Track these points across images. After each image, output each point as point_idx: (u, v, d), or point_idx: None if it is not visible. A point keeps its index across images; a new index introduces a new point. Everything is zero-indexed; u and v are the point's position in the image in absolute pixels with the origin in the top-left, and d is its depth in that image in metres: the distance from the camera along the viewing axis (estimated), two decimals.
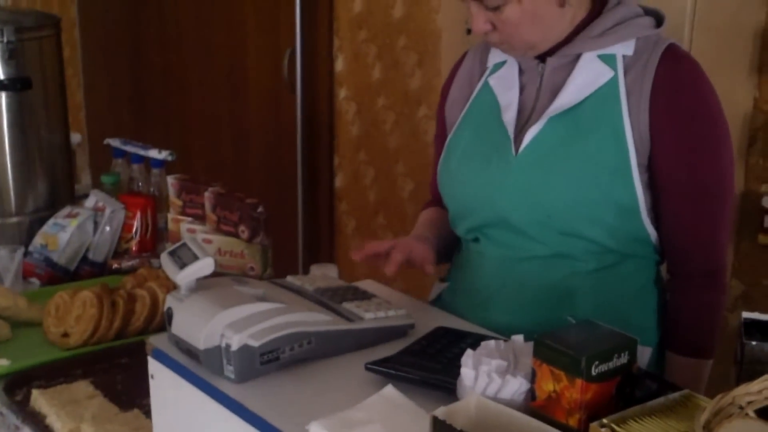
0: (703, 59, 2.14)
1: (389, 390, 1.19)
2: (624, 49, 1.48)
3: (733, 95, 2.30)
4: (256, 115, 3.67)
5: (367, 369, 1.27)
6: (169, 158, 2.17)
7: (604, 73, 1.48)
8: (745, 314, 1.24)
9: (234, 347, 1.22)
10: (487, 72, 1.61)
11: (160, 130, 4.08)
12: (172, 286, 1.69)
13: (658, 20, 1.53)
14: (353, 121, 3.36)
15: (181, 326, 1.28)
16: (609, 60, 1.48)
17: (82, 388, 1.52)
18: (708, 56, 2.15)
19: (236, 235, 1.94)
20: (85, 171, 2.47)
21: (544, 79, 1.53)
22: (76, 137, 2.40)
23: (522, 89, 1.55)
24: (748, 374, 1.12)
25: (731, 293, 2.44)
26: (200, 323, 1.24)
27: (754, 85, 2.32)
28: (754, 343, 1.17)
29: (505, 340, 1.24)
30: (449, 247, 1.72)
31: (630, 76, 1.47)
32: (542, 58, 1.53)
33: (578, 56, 1.50)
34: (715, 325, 1.57)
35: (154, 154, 2.17)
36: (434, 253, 1.61)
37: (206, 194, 1.99)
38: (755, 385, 1.03)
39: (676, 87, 1.46)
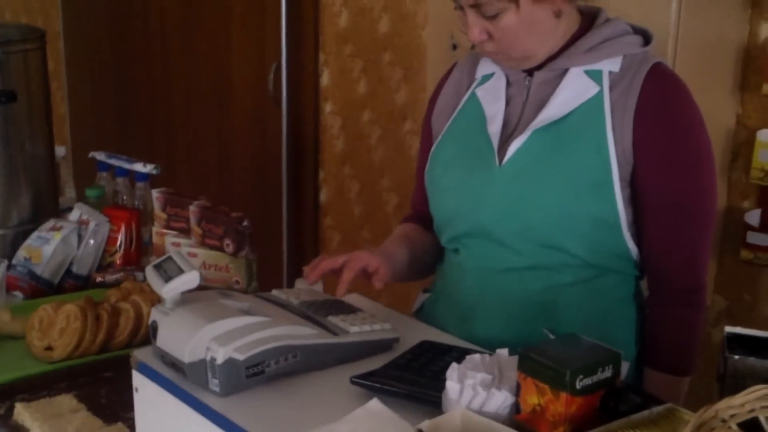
0: (687, 76, 2.16)
1: (374, 403, 1.19)
2: (611, 65, 1.50)
3: (717, 111, 2.32)
4: (242, 129, 3.67)
5: (353, 382, 1.27)
6: (155, 172, 2.16)
7: (590, 88, 1.49)
8: (728, 329, 1.25)
9: (219, 360, 1.22)
10: (475, 83, 1.62)
11: (144, 144, 4.08)
12: (156, 300, 1.69)
13: (646, 39, 1.54)
14: (338, 135, 3.37)
15: (166, 339, 1.28)
16: (595, 76, 1.50)
17: (66, 401, 1.51)
18: (691, 73, 2.17)
19: (221, 249, 1.94)
20: (70, 184, 2.46)
21: (531, 93, 1.54)
22: (60, 150, 2.39)
23: (508, 101, 1.56)
24: (731, 388, 1.13)
25: (714, 308, 2.45)
26: (185, 336, 1.24)
27: (737, 102, 2.34)
28: (736, 357, 1.18)
29: (489, 354, 1.25)
30: (423, 262, 1.72)
31: (615, 93, 1.48)
32: (530, 71, 1.55)
33: (565, 71, 1.51)
34: (694, 343, 1.58)
35: (139, 167, 2.16)
36: (392, 267, 1.59)
37: (191, 208, 1.98)
38: (738, 399, 1.04)
39: (660, 105, 1.48)
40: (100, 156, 2.25)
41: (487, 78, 1.60)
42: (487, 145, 1.53)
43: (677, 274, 1.55)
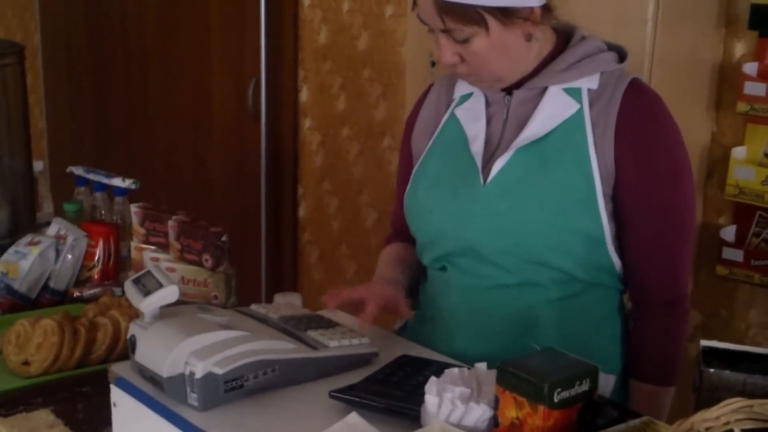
0: (663, 94, 2.18)
1: (353, 417, 1.20)
2: (589, 83, 1.52)
3: (692, 129, 2.34)
4: (220, 145, 3.67)
5: (332, 397, 1.28)
6: (133, 187, 2.16)
7: (570, 106, 1.51)
8: (704, 342, 1.26)
9: (198, 375, 1.22)
10: (454, 103, 1.63)
11: (122, 158, 4.07)
12: (134, 315, 1.68)
13: (621, 55, 1.57)
14: (317, 151, 3.37)
15: (144, 354, 1.28)
16: (574, 93, 1.51)
17: (43, 416, 1.50)
18: (667, 91, 2.18)
19: (200, 264, 1.94)
20: (47, 199, 2.45)
21: (511, 112, 1.55)
22: (38, 165, 2.38)
23: (489, 121, 1.57)
24: (707, 401, 1.14)
25: (690, 323, 2.45)
26: (164, 351, 1.24)
27: (711, 120, 2.37)
28: (712, 370, 1.19)
29: (468, 368, 1.25)
30: (417, 281, 1.74)
31: (595, 109, 1.50)
32: (509, 90, 1.56)
33: (544, 89, 1.53)
34: (677, 353, 1.60)
35: (117, 182, 2.16)
36: (405, 293, 1.63)
37: (170, 223, 1.98)
38: (713, 412, 1.05)
39: (639, 120, 1.50)
40: (78, 170, 2.25)
41: (465, 98, 1.62)
42: (471, 164, 1.54)
43: (659, 286, 1.56)
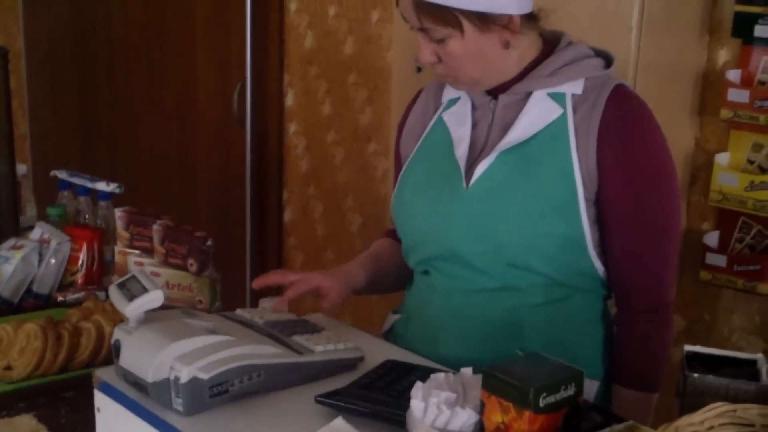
0: (647, 100, 2.19)
1: (339, 422, 1.20)
2: (573, 88, 1.52)
3: (676, 135, 2.35)
4: (205, 149, 3.66)
5: (317, 401, 1.28)
6: (118, 191, 2.15)
7: (554, 111, 1.51)
8: (687, 347, 1.26)
9: (183, 380, 1.21)
10: (441, 107, 1.64)
11: (106, 162, 4.05)
12: (118, 319, 1.67)
13: (608, 61, 1.57)
14: (303, 155, 3.37)
15: (129, 359, 1.27)
16: (558, 98, 1.52)
17: (26, 421, 1.49)
18: (651, 97, 2.19)
19: (185, 269, 1.93)
20: (31, 202, 2.43)
21: (496, 116, 1.56)
22: (21, 168, 2.37)
23: (474, 125, 1.58)
24: (691, 405, 1.14)
25: (673, 327, 2.48)
26: (149, 355, 1.24)
27: (695, 126, 2.38)
28: (696, 375, 1.19)
29: (454, 373, 1.26)
30: (390, 279, 1.75)
31: (579, 114, 1.51)
32: (495, 94, 1.57)
33: (529, 94, 1.54)
34: (661, 359, 1.60)
35: (102, 186, 2.15)
36: (346, 289, 1.64)
37: (155, 227, 1.97)
38: (697, 416, 1.06)
39: (622, 126, 1.50)
40: (62, 174, 2.23)
41: (453, 102, 1.62)
42: (455, 168, 1.55)
43: (643, 292, 1.57)
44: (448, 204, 1.55)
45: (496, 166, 1.52)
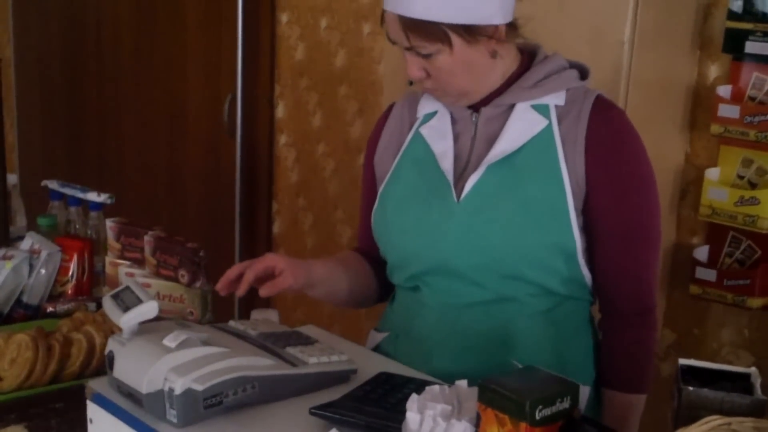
0: (638, 114, 2.21)
1: None
2: (555, 99, 1.54)
3: (666, 150, 2.37)
4: (195, 160, 3.65)
5: (312, 413, 1.27)
6: (109, 201, 2.14)
7: (539, 122, 1.53)
8: (682, 361, 1.27)
9: (177, 391, 1.21)
10: (418, 122, 1.64)
11: (95, 173, 4.04)
12: (109, 330, 1.67)
13: (583, 73, 1.59)
14: (293, 167, 3.37)
15: (123, 370, 1.27)
16: (542, 109, 1.53)
17: None
18: (642, 111, 2.22)
19: (176, 280, 1.92)
20: (20, 212, 2.42)
21: (479, 129, 1.56)
22: (12, 178, 2.36)
23: (456, 138, 1.58)
24: (685, 419, 1.15)
25: (663, 342, 2.49)
26: (143, 367, 1.23)
27: (685, 140, 2.39)
28: (690, 388, 1.20)
29: (449, 385, 1.25)
30: (352, 289, 1.70)
31: (564, 125, 1.52)
32: (476, 108, 1.57)
33: (512, 106, 1.55)
34: (648, 360, 1.62)
35: (93, 197, 2.14)
36: (303, 275, 1.57)
37: (146, 238, 1.97)
38: (692, 429, 1.06)
39: (608, 135, 1.52)
40: (52, 184, 2.22)
41: (429, 116, 1.62)
42: (443, 181, 1.55)
43: (628, 296, 1.58)
44: (438, 218, 1.55)
45: (486, 179, 1.52)
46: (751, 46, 2.19)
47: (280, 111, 3.37)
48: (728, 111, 2.21)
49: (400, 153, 1.64)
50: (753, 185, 2.25)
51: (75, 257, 2.05)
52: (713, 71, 2.33)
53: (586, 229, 1.54)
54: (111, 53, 3.96)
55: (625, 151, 1.54)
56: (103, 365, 1.44)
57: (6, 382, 1.61)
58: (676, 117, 2.36)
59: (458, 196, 1.53)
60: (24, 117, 4.55)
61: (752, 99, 2.22)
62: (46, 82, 4.38)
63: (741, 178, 2.27)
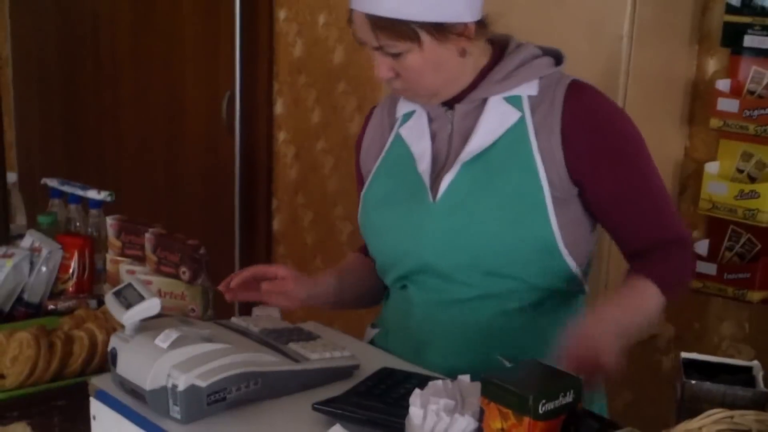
0: (637, 109, 2.22)
1: (337, 429, 1.20)
2: (528, 89, 1.52)
3: (665, 144, 2.37)
4: (194, 157, 3.65)
5: (315, 409, 1.27)
6: (109, 199, 2.14)
7: (512, 115, 1.51)
8: (684, 354, 1.28)
9: (181, 387, 1.21)
10: (398, 123, 1.63)
11: (93, 171, 4.03)
12: (111, 328, 1.67)
13: (558, 59, 1.57)
14: (292, 164, 3.37)
15: (126, 367, 1.27)
16: (515, 101, 1.52)
17: (20, 430, 1.48)
18: (641, 106, 2.23)
19: (177, 277, 1.93)
20: (20, 210, 2.42)
21: (455, 125, 1.55)
22: (11, 176, 2.36)
23: (434, 137, 1.57)
24: (688, 412, 1.15)
25: (664, 336, 2.49)
26: (146, 363, 1.23)
27: (684, 134, 2.40)
28: (693, 381, 1.20)
29: (451, 380, 1.26)
30: (357, 292, 1.73)
31: (538, 115, 1.51)
32: (450, 104, 1.56)
33: (485, 101, 1.53)
34: (685, 273, 1.60)
35: (93, 194, 2.14)
36: (308, 282, 1.63)
37: (147, 235, 1.97)
38: (695, 423, 1.06)
39: (584, 118, 1.51)
40: (52, 182, 2.23)
41: (408, 116, 1.61)
42: (419, 183, 1.54)
43: (659, 239, 1.55)
44: (416, 219, 1.54)
45: (460, 177, 1.51)
46: (749, 40, 2.20)
47: (279, 108, 3.36)
48: (727, 105, 2.21)
49: (382, 155, 1.64)
50: (752, 179, 2.25)
51: (76, 255, 2.05)
52: (712, 65, 2.33)
53: (592, 210, 1.54)
54: (109, 50, 3.96)
55: (603, 125, 1.52)
56: (105, 362, 1.44)
57: (8, 380, 1.62)
58: (675, 111, 2.36)
59: (435, 197, 1.53)
60: (22, 115, 4.55)
61: (751, 93, 2.23)
62: (44, 80, 4.37)
63: (740, 171, 2.28)
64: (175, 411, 1.22)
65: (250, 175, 3.43)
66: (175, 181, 3.75)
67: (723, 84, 2.25)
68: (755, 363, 1.26)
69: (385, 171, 1.62)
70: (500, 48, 1.57)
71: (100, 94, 4.04)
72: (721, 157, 2.31)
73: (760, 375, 1.23)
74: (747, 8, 2.18)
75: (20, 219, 2.40)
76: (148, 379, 1.22)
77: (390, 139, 1.63)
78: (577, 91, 1.52)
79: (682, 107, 2.37)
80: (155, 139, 3.80)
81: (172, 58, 3.65)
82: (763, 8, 2.17)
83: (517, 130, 1.50)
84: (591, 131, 1.50)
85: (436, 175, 1.54)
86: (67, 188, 2.19)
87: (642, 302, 1.51)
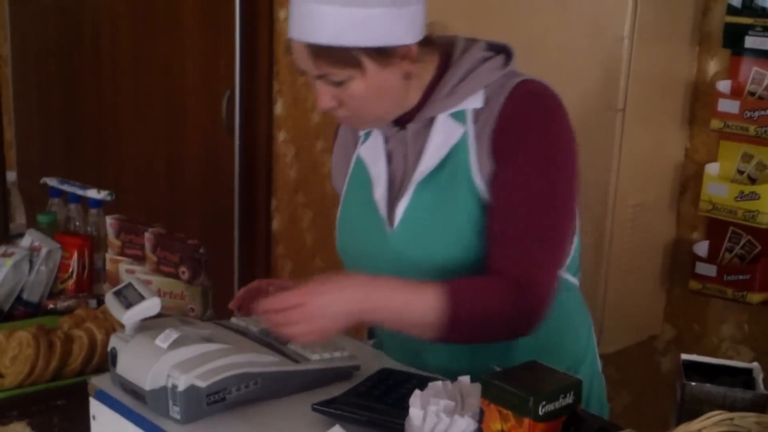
0: (638, 110, 2.22)
1: (337, 430, 1.19)
2: (474, 102, 1.45)
3: (666, 145, 2.37)
4: (194, 157, 3.65)
5: (314, 409, 1.27)
6: (109, 198, 2.14)
7: (456, 131, 1.45)
8: (684, 356, 1.27)
9: (181, 388, 1.21)
10: (360, 142, 1.59)
11: (93, 170, 4.03)
12: (110, 327, 1.67)
13: (508, 55, 1.49)
14: (291, 164, 3.37)
15: (126, 366, 1.27)
16: (460, 116, 1.46)
17: (19, 429, 1.48)
18: (642, 107, 2.23)
19: (176, 276, 1.93)
20: (20, 209, 2.43)
21: (409, 145, 1.50)
22: (11, 175, 2.36)
23: (390, 157, 1.53)
24: (689, 414, 1.15)
25: (663, 337, 2.49)
26: (146, 363, 1.23)
27: (685, 136, 2.40)
28: (693, 383, 1.20)
29: (451, 381, 1.26)
30: None
31: (478, 128, 1.44)
32: (402, 124, 1.50)
33: (434, 118, 1.48)
34: (485, 319, 1.38)
35: (92, 194, 2.14)
36: None
37: (146, 235, 1.97)
38: (695, 424, 1.06)
39: (509, 127, 1.43)
40: (52, 182, 2.23)
41: (368, 135, 1.57)
42: (377, 211, 1.51)
43: (510, 263, 1.41)
44: (375, 248, 1.51)
45: (414, 202, 1.47)
46: (750, 41, 2.19)
47: (279, 108, 3.36)
48: (728, 106, 2.21)
49: (348, 177, 1.61)
50: (753, 180, 2.25)
51: (75, 254, 2.05)
52: (713, 66, 2.33)
53: (486, 215, 1.44)
54: (109, 50, 3.95)
55: (523, 138, 1.42)
56: (104, 362, 1.44)
57: (8, 380, 1.62)
58: (676, 112, 2.36)
59: (392, 224, 1.49)
60: (22, 114, 4.54)
61: (752, 94, 2.22)
62: (43, 79, 4.37)
63: (741, 173, 2.27)
64: (175, 411, 1.22)
65: (249, 174, 3.43)
66: (175, 180, 3.74)
67: (723, 85, 2.24)
68: (755, 365, 1.26)
69: (350, 195, 1.60)
70: (447, 54, 1.50)
71: (100, 94, 4.03)
72: (721, 158, 2.30)
73: (760, 377, 1.23)
74: (748, 9, 2.18)
75: (20, 218, 2.41)
76: (148, 379, 1.22)
77: (353, 161, 1.60)
78: (514, 97, 1.43)
79: (683, 108, 2.37)
80: (155, 138, 3.80)
81: (172, 57, 3.64)
82: (764, 9, 2.16)
83: (460, 147, 1.45)
84: (511, 140, 1.42)
85: (394, 198, 1.50)
86: (66, 187, 2.19)
87: (418, 306, 1.38)
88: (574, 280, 1.60)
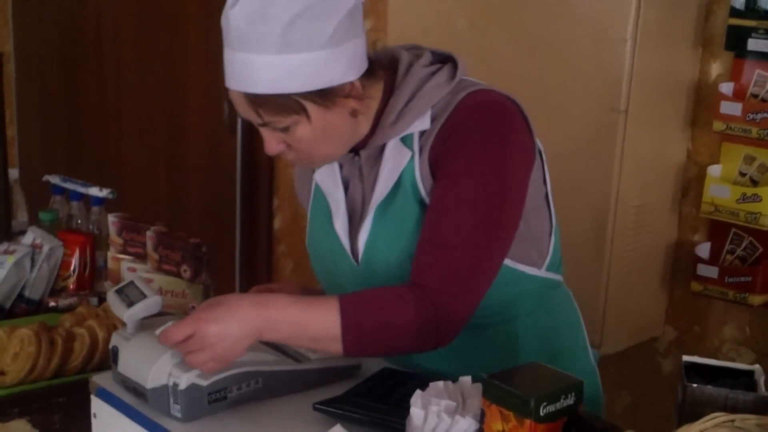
0: (640, 112, 2.22)
1: (338, 430, 1.19)
2: (421, 124, 1.41)
3: (668, 148, 2.37)
4: (195, 156, 3.65)
5: (315, 409, 1.27)
6: (110, 196, 2.15)
7: (405, 156, 1.42)
8: (685, 358, 1.27)
9: (182, 386, 1.21)
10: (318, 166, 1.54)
11: (95, 168, 4.03)
12: (111, 325, 1.67)
13: (455, 65, 1.45)
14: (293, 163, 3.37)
15: (127, 365, 1.27)
16: (408, 140, 1.43)
17: (20, 427, 1.48)
18: (644, 109, 2.23)
19: (178, 275, 1.93)
20: (22, 207, 2.43)
21: (364, 172, 1.47)
22: (13, 173, 2.36)
23: (347, 184, 1.49)
24: (690, 415, 1.15)
25: (665, 339, 2.49)
26: (148, 362, 1.23)
27: (687, 138, 2.40)
28: (694, 385, 1.20)
29: (453, 381, 1.26)
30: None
31: (420, 147, 1.42)
32: (356, 150, 1.47)
33: (384, 145, 1.45)
34: (389, 327, 1.32)
35: (95, 192, 2.15)
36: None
37: (148, 233, 1.97)
38: (696, 426, 1.06)
39: (451, 132, 1.39)
40: (54, 179, 2.23)
41: None
42: (339, 245, 1.48)
43: (429, 271, 1.37)
44: (344, 280, 1.49)
45: (375, 231, 1.44)
46: (753, 44, 2.19)
47: None
48: (730, 108, 2.21)
49: (310, 204, 1.58)
50: (755, 182, 2.25)
51: (77, 252, 2.05)
52: (715, 69, 2.33)
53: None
54: (111, 48, 3.96)
55: (463, 143, 1.37)
56: (106, 360, 1.44)
57: (9, 377, 1.62)
58: (679, 114, 2.36)
59: (356, 258, 1.46)
60: (24, 112, 4.55)
61: (754, 96, 2.22)
62: (46, 77, 4.37)
63: (743, 175, 2.28)
64: (176, 409, 1.22)
65: (251, 173, 3.43)
66: (177, 179, 3.75)
67: (726, 87, 2.25)
68: (757, 367, 1.26)
69: (314, 222, 1.56)
70: (392, 72, 1.44)
71: (103, 92, 4.04)
72: (723, 160, 2.31)
73: (761, 379, 1.23)
74: (751, 12, 2.18)
75: (22, 216, 2.40)
76: (149, 378, 1.23)
77: (313, 188, 1.56)
78: (455, 110, 1.39)
79: (685, 110, 2.37)
80: (157, 137, 3.80)
81: (175, 56, 3.65)
82: (767, 12, 2.16)
83: (408, 171, 1.41)
84: (446, 149, 1.39)
85: (355, 228, 1.48)
86: (68, 185, 2.20)
87: (319, 319, 1.31)
88: (557, 277, 1.57)
